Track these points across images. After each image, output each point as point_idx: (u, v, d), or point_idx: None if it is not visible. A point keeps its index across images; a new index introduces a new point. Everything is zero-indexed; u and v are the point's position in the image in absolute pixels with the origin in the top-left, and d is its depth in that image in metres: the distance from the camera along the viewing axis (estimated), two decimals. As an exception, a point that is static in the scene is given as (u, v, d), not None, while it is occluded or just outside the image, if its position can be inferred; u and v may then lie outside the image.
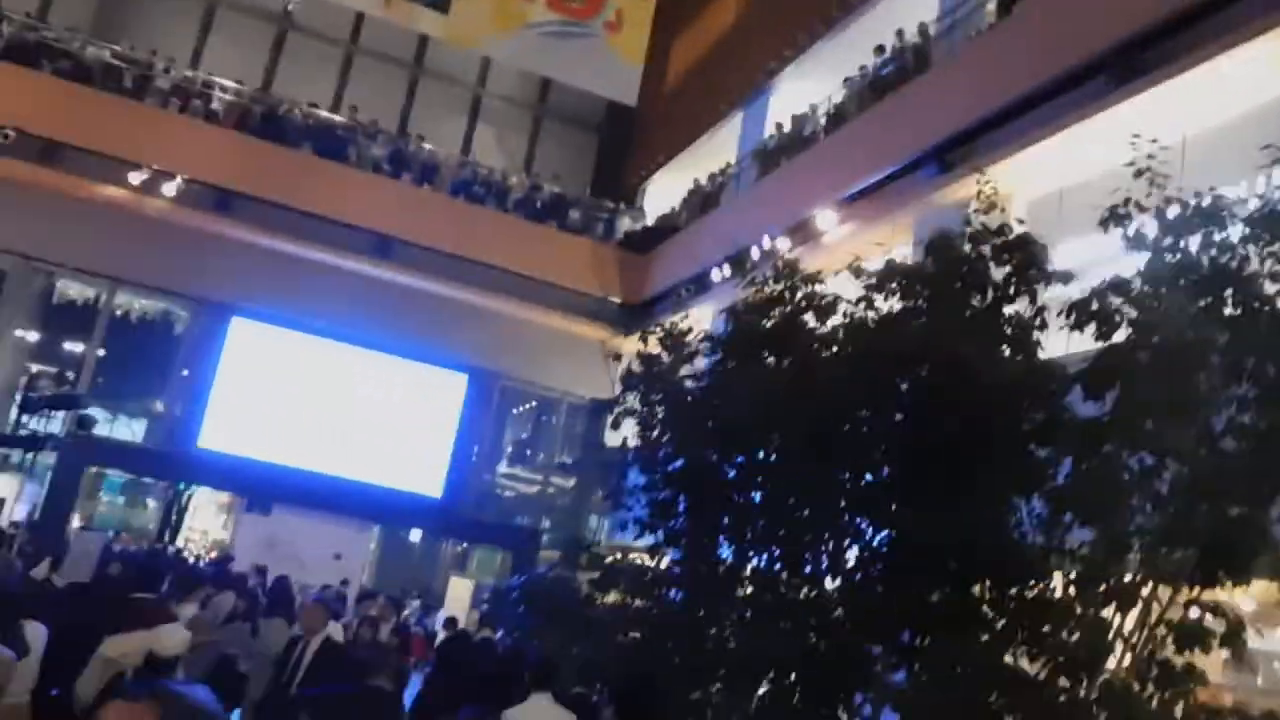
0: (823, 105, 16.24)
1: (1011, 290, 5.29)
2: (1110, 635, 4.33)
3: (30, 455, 13.85)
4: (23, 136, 16.92)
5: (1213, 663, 4.47)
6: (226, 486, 19.47)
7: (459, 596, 16.66)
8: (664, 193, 22.30)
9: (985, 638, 4.63)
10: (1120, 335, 4.66)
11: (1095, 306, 4.61)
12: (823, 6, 16.52)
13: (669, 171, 22.35)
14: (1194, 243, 4.71)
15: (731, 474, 6.51)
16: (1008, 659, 4.55)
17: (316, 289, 18.98)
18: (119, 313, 19.99)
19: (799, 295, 6.38)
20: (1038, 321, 5.23)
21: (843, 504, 5.65)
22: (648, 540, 7.11)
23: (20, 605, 5.57)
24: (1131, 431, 4.34)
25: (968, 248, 5.39)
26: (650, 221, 21.89)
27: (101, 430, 18.27)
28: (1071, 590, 4.49)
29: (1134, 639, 4.37)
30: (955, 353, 4.96)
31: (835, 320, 6.17)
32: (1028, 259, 5.24)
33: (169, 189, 17.70)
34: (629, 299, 20.38)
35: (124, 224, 18.22)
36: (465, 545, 22.82)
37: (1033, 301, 5.27)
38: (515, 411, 24.07)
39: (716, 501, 6.62)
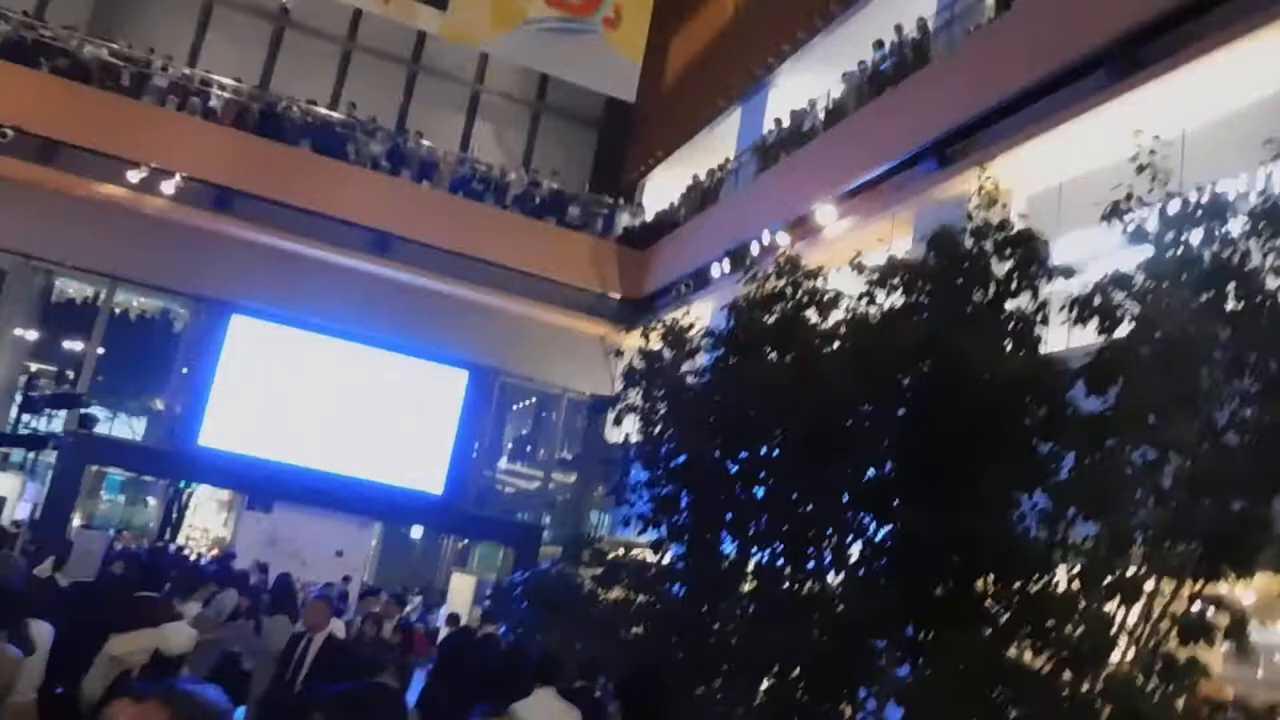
0: (821, 100, 16.24)
1: (1013, 285, 5.29)
2: (1114, 629, 4.34)
3: (32, 454, 13.87)
4: (21, 135, 16.92)
5: (1214, 656, 4.49)
6: (228, 484, 19.50)
7: (461, 593, 16.68)
8: (663, 188, 22.31)
9: (989, 632, 4.65)
10: (1122, 330, 4.67)
11: (1098, 301, 4.62)
12: (821, 1, 16.51)
13: (668, 167, 22.36)
14: (1195, 237, 4.72)
15: (734, 470, 6.52)
16: (1012, 653, 4.57)
17: (316, 286, 18.99)
18: (118, 311, 19.99)
19: (800, 291, 6.40)
20: (1040, 317, 5.23)
21: (846, 500, 5.66)
22: (650, 536, 7.13)
23: (26, 604, 5.58)
24: (1134, 426, 4.35)
25: (969, 243, 5.39)
26: (649, 217, 21.90)
27: (101, 429, 18.29)
28: (1075, 584, 4.50)
29: (1137, 633, 4.39)
30: (957, 348, 4.97)
31: (837, 316, 6.19)
32: (1030, 254, 5.24)
33: (167, 187, 17.69)
34: (628, 294, 20.40)
35: (123, 222, 18.22)
36: (466, 542, 22.85)
37: (1035, 297, 5.28)
38: (515, 407, 24.10)
39: (719, 497, 6.64)
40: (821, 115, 16.12)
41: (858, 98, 15.11)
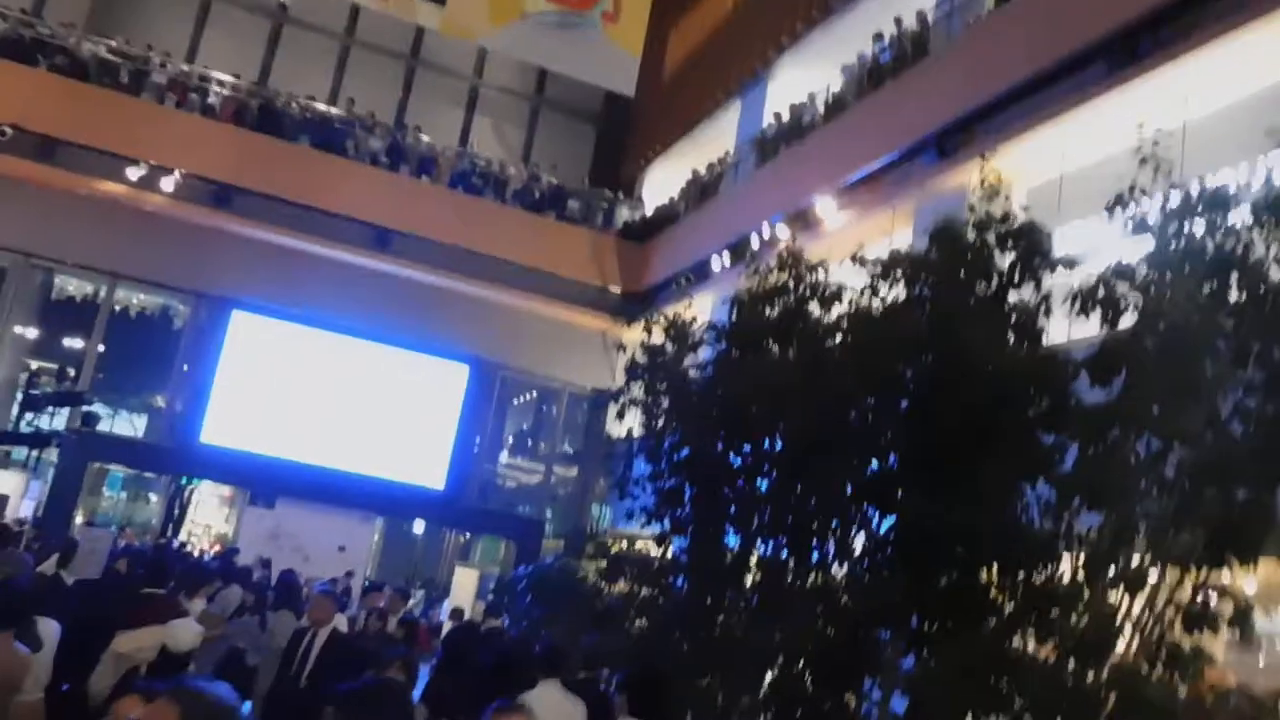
0: (821, 94, 16.22)
1: (1016, 278, 5.31)
2: (1118, 619, 4.36)
3: (35, 453, 13.88)
4: (20, 133, 16.90)
5: (1215, 643, 4.50)
6: (230, 480, 19.52)
7: (464, 587, 16.71)
8: (662, 182, 22.30)
9: (994, 623, 4.67)
10: (1125, 321, 4.68)
11: (1101, 293, 4.63)
12: (820, -6, 16.50)
13: (667, 161, 22.35)
14: (1198, 228, 4.73)
15: (737, 463, 6.54)
16: (1016, 644, 4.58)
17: (316, 282, 19.00)
18: (118, 308, 19.99)
19: (803, 285, 6.41)
20: (1043, 309, 5.24)
21: (849, 492, 5.68)
22: (654, 528, 7.16)
23: (33, 602, 5.59)
24: (1138, 417, 4.37)
25: (972, 235, 5.40)
26: (649, 211, 21.88)
27: (103, 426, 18.31)
28: (1079, 575, 4.52)
29: (1142, 622, 4.41)
30: (961, 341, 4.98)
31: (840, 309, 6.20)
32: (1032, 246, 5.25)
33: (167, 184, 17.68)
34: (628, 288, 20.40)
35: (122, 219, 18.23)
36: (468, 536, 22.88)
37: (1038, 288, 5.29)
38: (516, 402, 24.11)
39: (722, 490, 6.66)
40: (821, 108, 16.10)
41: (857, 90, 15.10)
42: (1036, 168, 11.33)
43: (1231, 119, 9.46)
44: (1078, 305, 4.73)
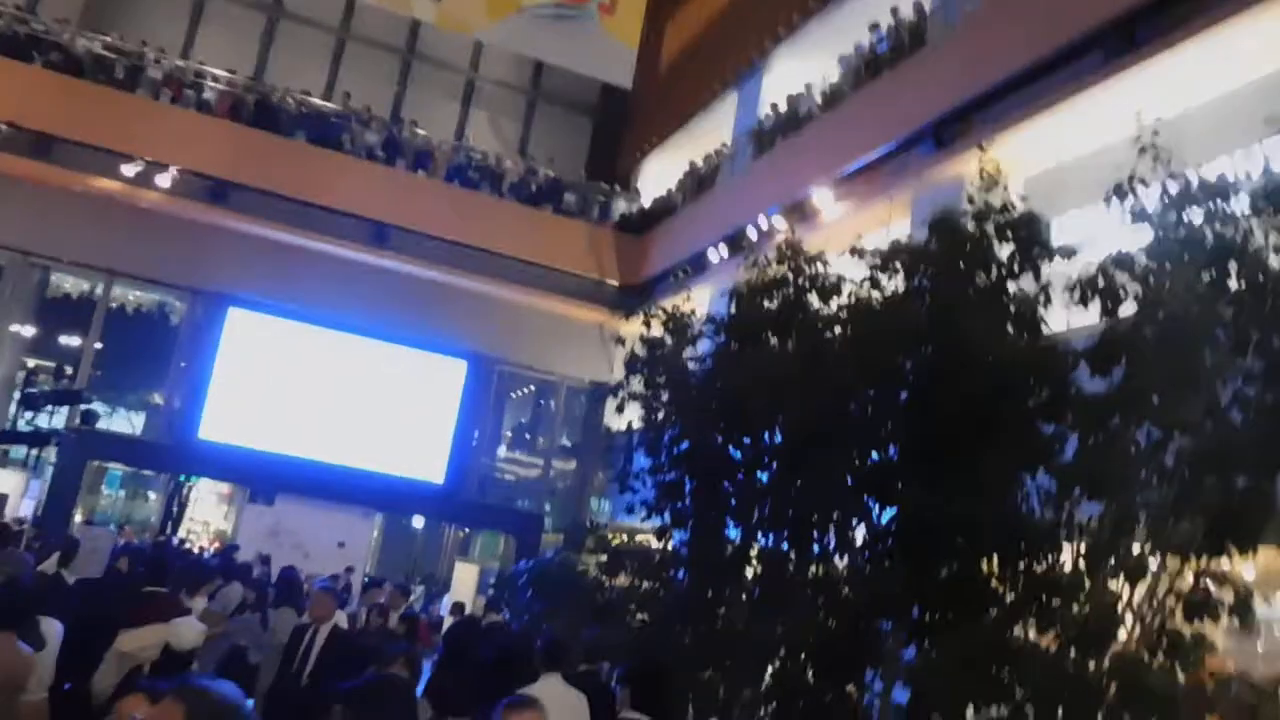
0: (818, 84, 16.20)
1: (1016, 268, 5.31)
2: (1119, 608, 4.37)
3: (35, 451, 13.87)
4: (15, 130, 16.87)
5: (1214, 630, 4.51)
6: (229, 477, 19.51)
7: (465, 582, 16.72)
8: (659, 175, 22.27)
9: (995, 613, 4.68)
10: (1125, 310, 4.68)
11: (1101, 283, 4.63)
12: (816, -15, 16.46)
13: (664, 153, 22.31)
14: (1197, 217, 4.72)
15: (737, 455, 6.55)
16: (1018, 634, 4.59)
17: (313, 277, 18.97)
18: (115, 305, 19.95)
19: (802, 277, 6.41)
20: (1042, 299, 5.25)
21: (850, 484, 5.68)
22: (654, 522, 7.17)
23: (36, 601, 5.59)
24: (1138, 406, 4.37)
25: (971, 226, 5.40)
26: (646, 203, 21.86)
27: (101, 424, 18.27)
28: (1080, 564, 4.53)
29: (1143, 611, 4.42)
30: (961, 331, 4.99)
31: (839, 301, 6.20)
32: (1031, 236, 5.25)
33: (163, 180, 17.64)
34: (626, 281, 20.39)
35: (119, 216, 18.18)
36: (468, 531, 22.90)
37: (1037, 278, 5.29)
38: (514, 395, 24.11)
39: (723, 483, 6.67)
40: (818, 99, 16.08)
41: (854, 81, 15.08)
42: (1034, 157, 11.32)
43: (1228, 107, 9.45)
44: (1077, 295, 4.73)
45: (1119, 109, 9.78)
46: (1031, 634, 4.58)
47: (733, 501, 6.61)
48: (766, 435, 6.40)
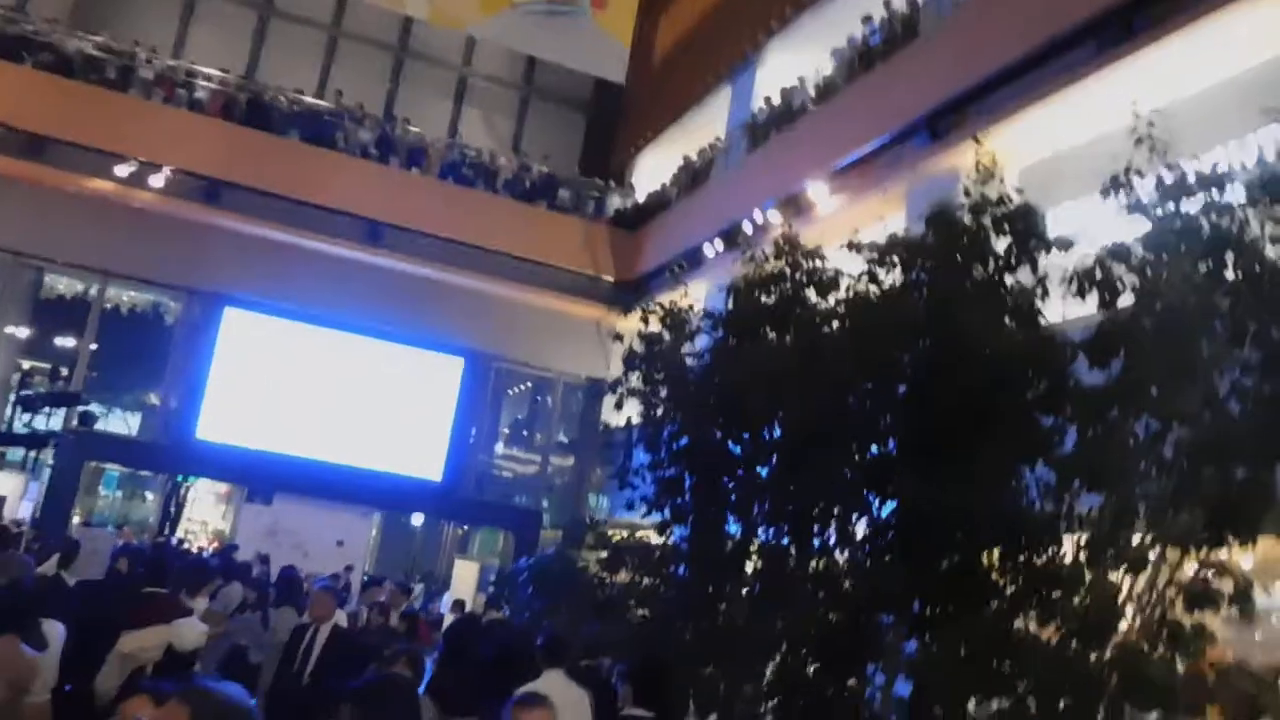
0: (811, 77, 16.19)
1: (1013, 260, 5.32)
2: (1120, 599, 4.39)
3: (33, 453, 13.87)
4: (7, 131, 16.82)
5: (1212, 619, 4.53)
6: (228, 477, 19.48)
7: (464, 579, 16.73)
8: (653, 170, 22.25)
9: (996, 606, 4.69)
10: (1122, 302, 4.70)
11: (1099, 275, 4.64)
12: (809, -23, 16.44)
13: (658, 148, 22.30)
14: (1194, 207, 4.73)
15: (737, 451, 6.56)
16: (1019, 625, 4.61)
17: (308, 276, 18.93)
18: (110, 306, 19.90)
19: (800, 272, 6.41)
20: (1039, 291, 5.26)
21: (849, 478, 5.69)
22: (655, 518, 7.17)
23: (39, 604, 5.60)
24: (1136, 398, 4.38)
25: (968, 219, 5.41)
26: (640, 199, 21.85)
27: (97, 425, 18.24)
28: (1081, 556, 4.54)
29: (1143, 602, 4.44)
30: (959, 324, 5.00)
31: (837, 296, 6.21)
32: (1028, 229, 5.26)
33: (156, 180, 17.60)
34: (621, 277, 20.38)
35: (113, 217, 18.12)
36: (466, 528, 22.90)
37: (1034, 271, 5.30)
38: (511, 392, 24.11)
39: (722, 478, 6.68)
40: (811, 92, 16.07)
41: (847, 74, 15.07)
42: (1028, 148, 11.33)
43: (1222, 96, 9.47)
44: (1074, 287, 4.74)
45: (1113, 99, 9.77)
46: (1032, 626, 4.59)
47: (733, 497, 6.61)
48: (766, 430, 6.40)
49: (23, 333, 20.14)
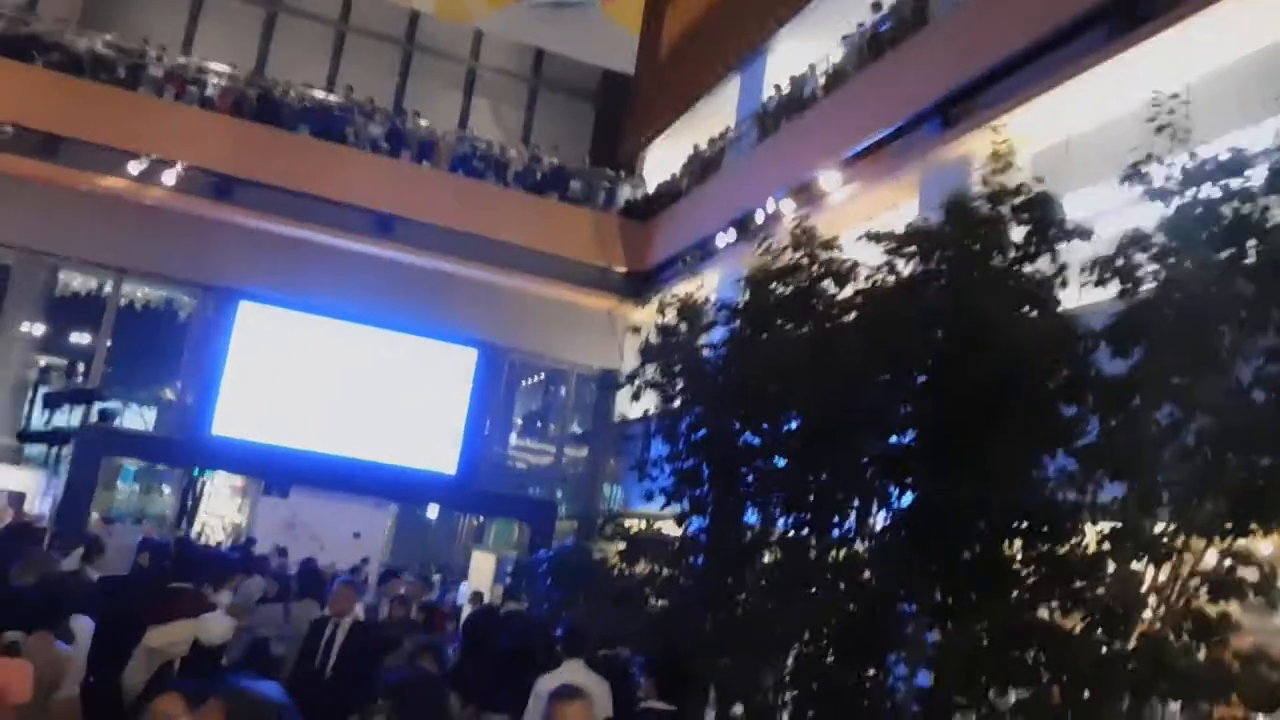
0: (821, 65, 16.14)
1: (1032, 249, 5.31)
2: (1143, 588, 4.39)
3: (54, 450, 14.03)
4: (20, 131, 16.89)
5: (1232, 606, 4.53)
6: (245, 471, 19.59)
7: (482, 570, 16.80)
8: (664, 160, 22.22)
9: (1018, 595, 4.70)
10: (1143, 290, 4.68)
11: (1120, 262, 4.63)
12: (817, -36, 16.36)
13: (667, 138, 22.25)
14: (1214, 193, 4.71)
15: (755, 442, 6.57)
16: (1041, 615, 4.62)
17: (321, 270, 18.99)
18: (125, 303, 20.00)
19: (816, 263, 6.41)
20: (1058, 280, 5.25)
21: (869, 468, 5.70)
22: (673, 509, 7.20)
23: (69, 600, 5.66)
24: (1158, 386, 4.38)
25: (986, 208, 5.40)
26: (651, 189, 21.82)
27: (114, 421, 18.35)
28: (1104, 545, 4.54)
29: (1167, 591, 4.44)
30: (978, 313, 4.99)
31: (854, 286, 6.21)
32: (1047, 217, 5.25)
33: (168, 177, 17.66)
34: (633, 267, 20.39)
35: (126, 214, 18.22)
36: (482, 519, 22.97)
37: (1053, 259, 5.29)
38: (524, 383, 24.15)
39: (741, 469, 6.69)
40: (821, 80, 16.02)
41: (858, 61, 15.01)
42: (1040, 134, 11.28)
43: (1236, 80, 9.41)
44: (1095, 275, 4.73)
45: (1125, 84, 9.76)
46: (1055, 616, 4.60)
47: (751, 488, 6.63)
48: (784, 422, 6.41)
49: (39, 330, 20.25)
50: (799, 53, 17.17)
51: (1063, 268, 5.21)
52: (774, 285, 6.71)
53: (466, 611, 12.34)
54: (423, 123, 21.44)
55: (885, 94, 13.63)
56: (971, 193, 5.69)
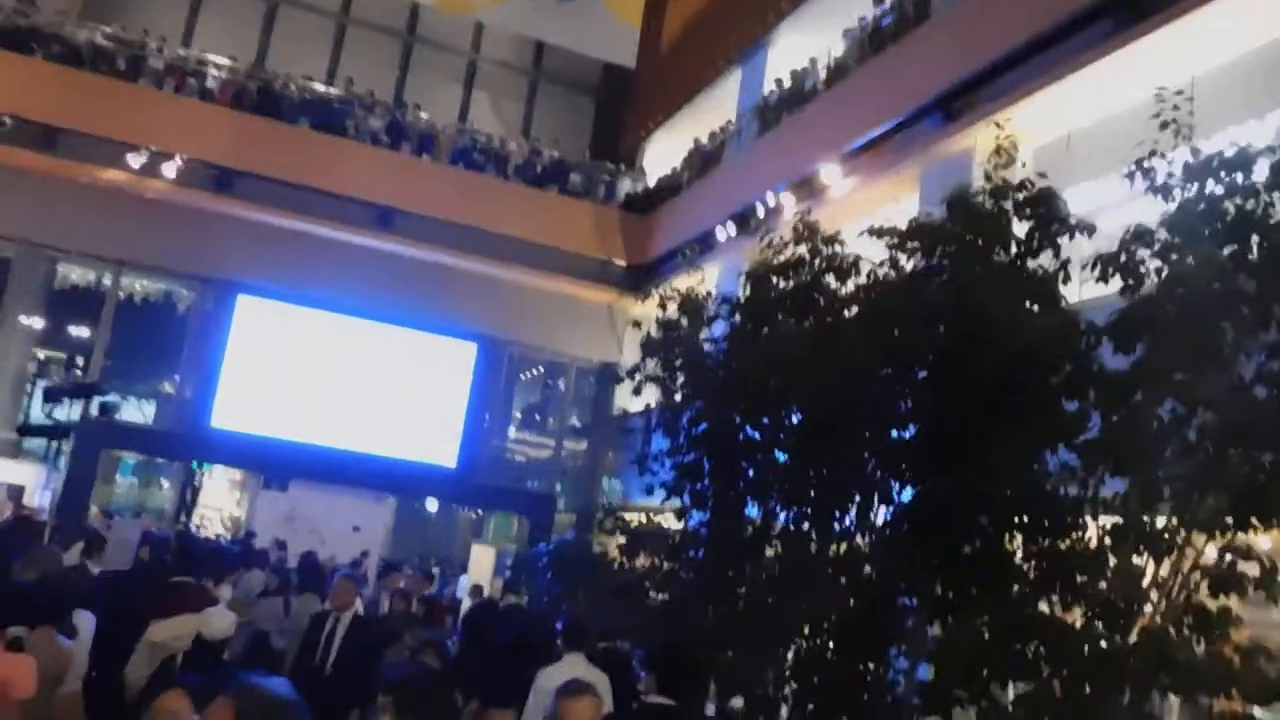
0: (822, 59, 16.10)
1: (1034, 245, 5.31)
2: (1145, 583, 4.40)
3: (55, 444, 14.06)
4: (20, 123, 16.86)
5: (1231, 599, 4.53)
6: (245, 464, 19.60)
7: (481, 564, 16.80)
8: (664, 154, 22.18)
9: (1020, 590, 4.71)
10: (1146, 285, 4.68)
11: (1122, 259, 4.63)
12: (819, -42, 16.32)
13: (668, 132, 22.21)
14: (1217, 189, 4.70)
15: (756, 436, 6.58)
16: (1043, 609, 4.63)
17: (321, 263, 18.97)
18: (124, 296, 19.98)
19: (819, 258, 6.41)
20: (1061, 277, 5.25)
21: (870, 463, 5.71)
22: (674, 503, 7.20)
23: (72, 595, 5.66)
24: (1161, 382, 4.38)
25: (989, 204, 5.40)
26: (651, 183, 21.80)
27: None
28: (1105, 540, 4.55)
29: (1168, 585, 4.45)
30: (981, 309, 4.99)
31: (856, 281, 6.21)
32: (1050, 213, 5.25)
33: (168, 170, 17.63)
34: (633, 261, 20.36)
35: (126, 206, 18.20)
36: (481, 513, 22.99)
37: (1056, 255, 5.29)
38: (523, 377, 24.14)
39: (742, 463, 6.70)
40: (822, 74, 15.99)
41: (859, 55, 14.98)
42: (1042, 128, 11.26)
43: (1239, 73, 9.40)
44: (1098, 271, 4.73)
45: (1127, 78, 9.74)
46: (1056, 610, 4.60)
47: (752, 482, 6.63)
48: (785, 416, 6.41)
49: (38, 323, 20.23)
50: (800, 46, 17.13)
51: (1065, 264, 5.21)
52: (775, 280, 6.71)
53: (466, 605, 12.34)
54: (423, 115, 21.40)
55: (886, 88, 13.61)
56: (973, 188, 5.68)
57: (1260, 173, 4.63)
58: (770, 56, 18.29)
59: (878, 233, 5.86)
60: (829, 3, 16.39)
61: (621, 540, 8.12)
